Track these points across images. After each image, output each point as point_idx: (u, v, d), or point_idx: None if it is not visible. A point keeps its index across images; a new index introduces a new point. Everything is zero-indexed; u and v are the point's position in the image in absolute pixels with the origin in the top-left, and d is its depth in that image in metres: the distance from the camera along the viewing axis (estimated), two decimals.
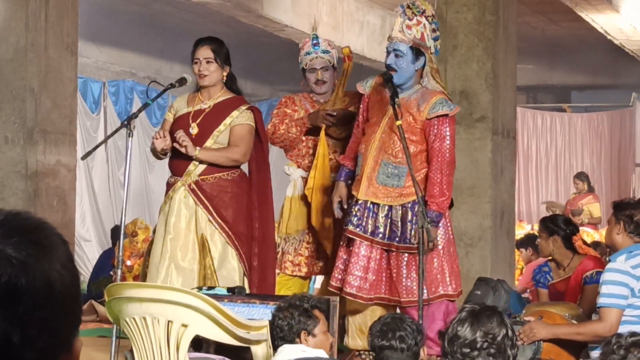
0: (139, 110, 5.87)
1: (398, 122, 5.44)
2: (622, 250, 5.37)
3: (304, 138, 6.51)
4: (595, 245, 10.41)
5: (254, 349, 4.80)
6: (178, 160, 5.94)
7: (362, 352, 5.93)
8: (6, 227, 1.31)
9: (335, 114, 6.36)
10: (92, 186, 14.09)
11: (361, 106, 5.94)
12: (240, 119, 5.93)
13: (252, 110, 6.01)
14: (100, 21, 13.65)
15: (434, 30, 5.67)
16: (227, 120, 5.91)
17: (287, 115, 6.50)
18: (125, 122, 5.58)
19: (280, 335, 4.25)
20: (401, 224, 5.60)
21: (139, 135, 13.75)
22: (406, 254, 5.62)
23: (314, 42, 6.60)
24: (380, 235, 5.62)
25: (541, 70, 18.09)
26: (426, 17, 5.63)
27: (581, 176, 15.05)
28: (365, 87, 5.89)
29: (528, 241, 10.03)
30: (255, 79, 17.30)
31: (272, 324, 4.32)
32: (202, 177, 5.88)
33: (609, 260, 5.42)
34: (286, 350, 4.21)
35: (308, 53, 6.58)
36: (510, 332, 3.30)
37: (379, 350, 4.05)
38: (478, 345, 3.24)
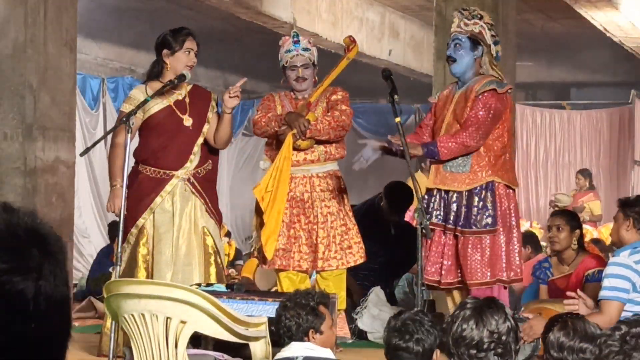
0: (138, 107, 5.83)
1: (397, 119, 5.46)
2: (627, 245, 5.39)
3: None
4: (595, 242, 10.42)
5: (253, 345, 4.80)
6: (174, 155, 5.93)
7: None
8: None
9: (311, 126, 6.35)
10: (95, 183, 14.10)
11: (429, 111, 6.24)
12: (214, 108, 6.12)
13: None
14: (99, 17, 13.64)
15: (493, 36, 5.98)
16: (211, 111, 6.07)
17: (271, 109, 6.54)
18: (124, 119, 5.57)
19: (288, 335, 4.21)
20: (466, 209, 5.80)
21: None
22: (471, 237, 5.82)
23: (295, 39, 6.59)
24: (451, 221, 5.85)
25: (540, 68, 18.09)
26: (484, 22, 5.97)
27: (584, 172, 15.06)
28: (435, 97, 6.26)
29: (527, 239, 10.01)
30: (253, 76, 17.29)
31: (279, 323, 4.25)
32: (197, 169, 5.96)
33: (613, 256, 5.44)
34: (293, 347, 4.19)
35: (289, 51, 6.58)
36: (513, 325, 3.28)
37: (393, 350, 4.03)
38: (485, 347, 3.21)
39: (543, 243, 9.97)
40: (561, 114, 17.04)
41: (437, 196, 5.91)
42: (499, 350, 3.22)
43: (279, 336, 4.27)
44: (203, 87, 6.36)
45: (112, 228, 11.93)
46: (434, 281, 5.87)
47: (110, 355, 5.29)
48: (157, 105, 5.95)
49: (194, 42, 5.99)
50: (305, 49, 6.58)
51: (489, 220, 5.76)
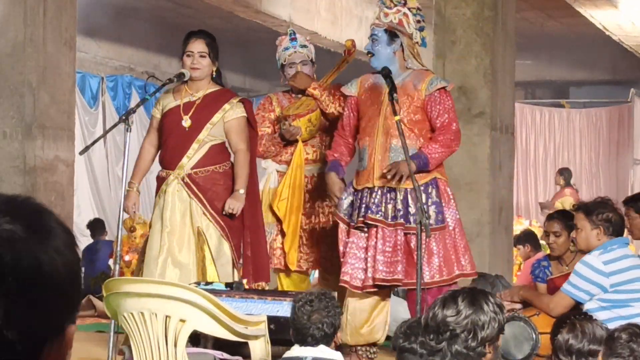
0: (137, 106, 5.89)
1: (397, 118, 5.46)
2: (598, 247, 5.43)
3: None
4: None
5: (252, 344, 4.80)
6: (170, 154, 5.96)
7: (359, 347, 5.94)
8: (5, 208, 1.31)
9: (288, 125, 6.40)
10: (94, 182, 14.10)
11: (348, 108, 6.01)
12: (233, 112, 5.97)
13: (242, 102, 6.07)
14: (99, 16, 13.64)
15: (418, 22, 5.82)
16: (220, 113, 5.95)
17: (265, 119, 6.53)
18: (124, 117, 5.59)
19: (320, 337, 4.10)
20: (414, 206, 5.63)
21: (137, 131, 13.76)
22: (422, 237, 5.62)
23: (292, 37, 6.61)
24: (402, 219, 5.65)
25: (540, 66, 18.08)
26: (408, 8, 5.80)
27: (561, 171, 15.07)
28: (351, 89, 5.99)
29: (526, 238, 10.01)
30: (253, 75, 17.27)
31: (308, 325, 4.12)
32: (195, 170, 5.90)
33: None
34: (308, 348, 4.15)
35: (286, 49, 6.60)
36: (442, 316, 3.28)
37: (400, 352, 4.03)
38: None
39: (542, 242, 9.96)
40: (560, 112, 17.04)
41: (379, 192, 5.71)
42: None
43: (312, 337, 4.12)
44: (230, 91, 6.22)
45: (92, 225, 11.94)
46: (398, 280, 5.68)
47: (110, 354, 5.29)
48: (170, 104, 6.02)
49: (195, 43, 5.96)
50: (303, 46, 6.60)
51: (440, 216, 5.68)
